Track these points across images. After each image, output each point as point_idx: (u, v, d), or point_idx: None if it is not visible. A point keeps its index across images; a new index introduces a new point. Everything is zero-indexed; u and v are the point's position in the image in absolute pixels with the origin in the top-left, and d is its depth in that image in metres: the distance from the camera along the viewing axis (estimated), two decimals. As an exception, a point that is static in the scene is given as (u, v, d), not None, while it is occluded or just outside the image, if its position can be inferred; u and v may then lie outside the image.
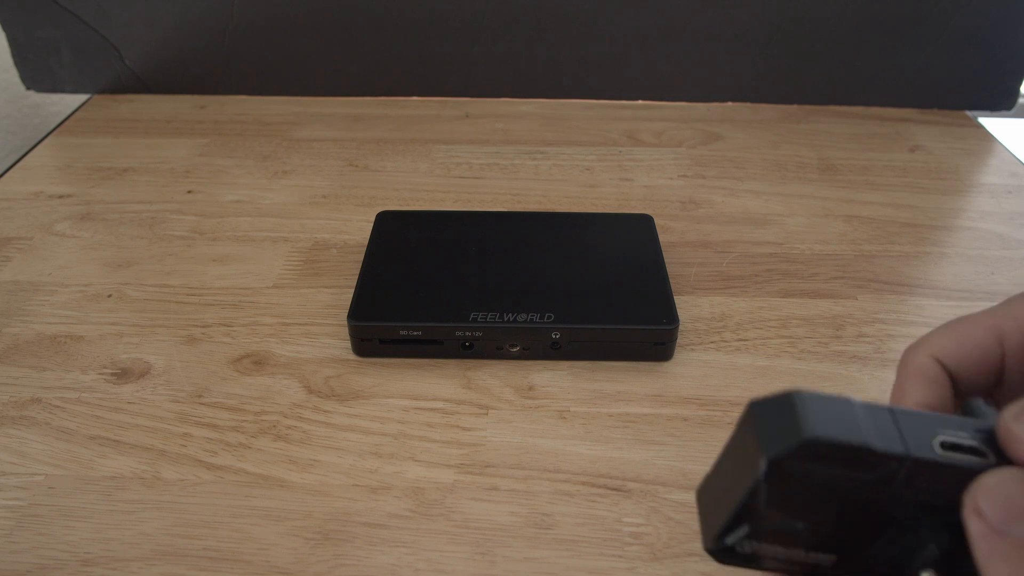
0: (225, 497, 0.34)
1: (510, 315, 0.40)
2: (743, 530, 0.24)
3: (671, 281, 0.44)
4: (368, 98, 0.70)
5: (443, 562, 0.31)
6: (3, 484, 0.35)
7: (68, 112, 0.68)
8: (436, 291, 0.42)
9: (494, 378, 0.40)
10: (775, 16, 0.65)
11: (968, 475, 0.21)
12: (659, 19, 0.65)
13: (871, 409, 0.22)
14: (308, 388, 0.40)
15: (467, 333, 0.40)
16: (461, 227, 0.47)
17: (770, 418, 0.23)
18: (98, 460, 0.36)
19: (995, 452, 0.22)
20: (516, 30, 0.66)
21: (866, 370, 0.41)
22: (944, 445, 0.22)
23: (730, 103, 0.69)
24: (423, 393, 0.39)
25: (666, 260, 0.45)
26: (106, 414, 0.38)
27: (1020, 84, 0.68)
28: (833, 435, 0.21)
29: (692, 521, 0.33)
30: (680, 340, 0.42)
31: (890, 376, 0.40)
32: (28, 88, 0.70)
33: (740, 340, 0.43)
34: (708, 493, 0.24)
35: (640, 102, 0.70)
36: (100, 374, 0.40)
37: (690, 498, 0.34)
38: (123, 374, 0.40)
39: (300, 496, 0.34)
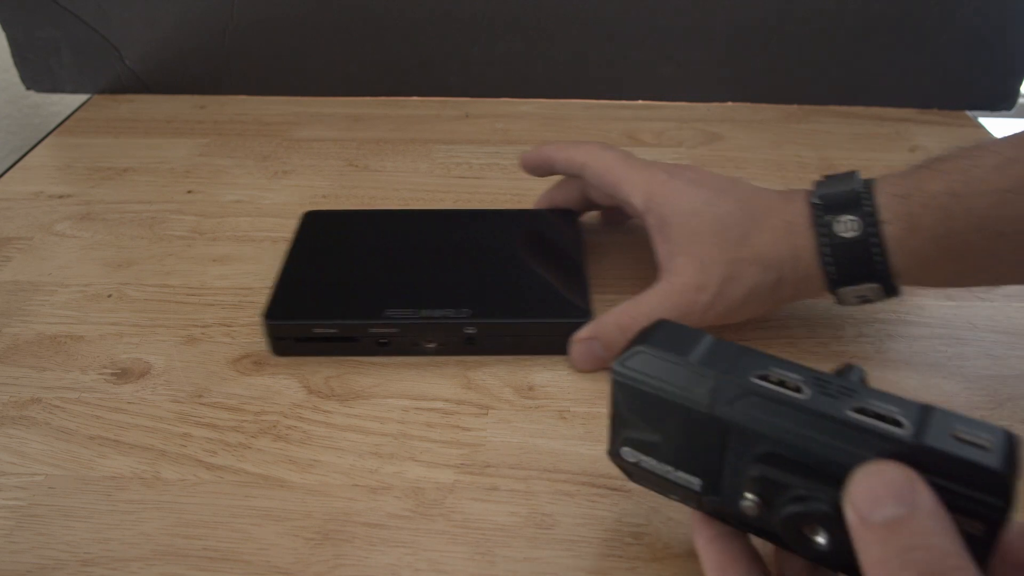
0: (225, 497, 0.34)
1: (425, 311, 0.40)
2: (621, 436, 0.28)
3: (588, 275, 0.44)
4: (368, 98, 0.70)
5: (443, 562, 0.31)
6: (3, 484, 0.35)
7: (68, 112, 0.68)
8: (354, 289, 0.42)
9: (494, 378, 0.40)
10: (775, 16, 0.65)
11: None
12: (659, 19, 0.65)
13: (714, 352, 0.27)
14: (308, 388, 0.40)
15: (382, 330, 0.40)
16: (386, 226, 0.48)
17: (642, 334, 0.28)
18: (98, 460, 0.36)
19: (814, 385, 0.25)
20: (516, 30, 0.66)
21: (866, 370, 0.40)
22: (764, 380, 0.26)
23: (730, 103, 0.69)
24: (423, 393, 0.39)
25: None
26: (106, 414, 0.38)
27: (1020, 84, 0.68)
28: (642, 371, 0.27)
29: (692, 521, 0.33)
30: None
31: (891, 376, 0.40)
32: (28, 88, 0.70)
33: (743, 341, 0.42)
34: (609, 420, 0.29)
35: (640, 102, 0.69)
36: (100, 374, 0.40)
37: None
38: (123, 374, 0.40)
39: (300, 496, 0.34)
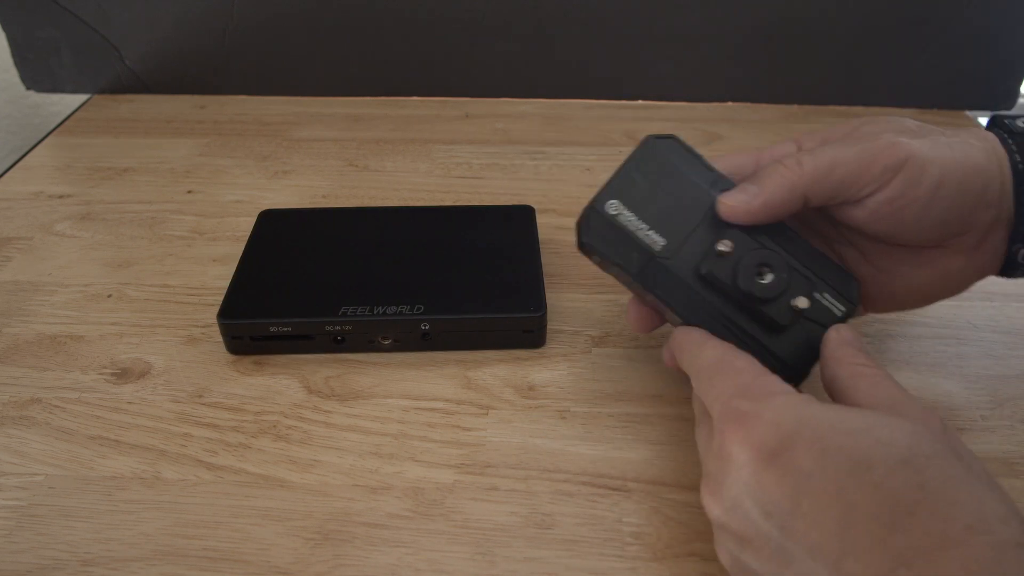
0: (225, 497, 0.34)
1: (380, 308, 0.40)
2: (615, 191, 0.34)
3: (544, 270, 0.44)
4: (368, 98, 0.70)
5: (443, 562, 0.31)
6: (3, 484, 0.35)
7: (68, 112, 0.68)
8: (308, 287, 0.42)
9: (494, 378, 0.40)
10: (776, 16, 0.65)
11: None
12: (659, 19, 0.65)
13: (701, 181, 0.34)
14: (308, 388, 0.40)
15: (337, 327, 0.40)
16: (342, 224, 0.48)
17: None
18: (98, 460, 0.36)
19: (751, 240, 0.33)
20: (516, 30, 0.66)
21: (866, 370, 0.41)
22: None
23: (730, 103, 0.69)
24: (423, 393, 0.39)
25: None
26: (106, 414, 0.38)
27: (1020, 84, 0.68)
28: (672, 149, 0.35)
29: (693, 521, 0.33)
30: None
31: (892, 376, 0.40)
32: (28, 88, 0.70)
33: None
34: (609, 180, 0.35)
35: (640, 102, 0.69)
36: (100, 374, 0.40)
37: (692, 498, 0.34)
38: (123, 374, 0.40)
39: (300, 496, 0.34)
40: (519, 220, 0.48)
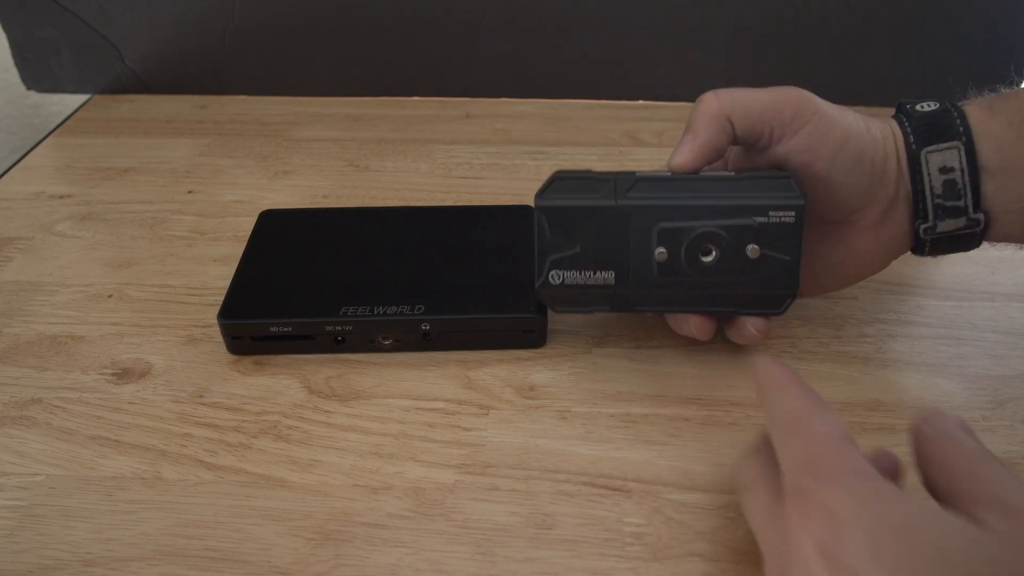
0: (226, 497, 0.34)
1: (381, 308, 0.40)
2: (548, 263, 0.36)
3: None
4: (368, 98, 0.70)
5: (443, 562, 0.31)
6: (4, 484, 0.35)
7: (68, 112, 0.68)
8: (309, 287, 0.42)
9: (495, 378, 0.40)
10: (775, 16, 0.65)
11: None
12: (659, 19, 0.65)
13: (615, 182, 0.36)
14: (309, 388, 0.40)
15: (338, 328, 0.40)
16: (342, 224, 0.48)
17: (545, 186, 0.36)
18: (99, 460, 0.36)
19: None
20: (517, 30, 0.66)
21: (867, 370, 0.41)
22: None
23: (730, 103, 0.69)
24: (424, 393, 0.39)
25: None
26: (107, 414, 0.38)
27: (1020, 84, 0.68)
28: (558, 194, 0.36)
29: (694, 521, 0.33)
30: (686, 340, 0.41)
31: (891, 376, 0.40)
32: (28, 88, 0.70)
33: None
34: (535, 260, 0.36)
35: (640, 102, 0.69)
36: (101, 374, 0.40)
37: (693, 498, 0.34)
38: (124, 374, 0.40)
39: (300, 496, 0.34)
40: (519, 220, 0.48)
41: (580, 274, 0.36)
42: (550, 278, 0.36)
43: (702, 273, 0.36)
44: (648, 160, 0.60)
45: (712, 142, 0.36)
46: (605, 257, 0.36)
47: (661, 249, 0.35)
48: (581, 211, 0.36)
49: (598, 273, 0.36)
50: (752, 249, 0.35)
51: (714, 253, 0.35)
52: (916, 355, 0.42)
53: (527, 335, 0.41)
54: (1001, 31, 0.65)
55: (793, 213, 0.35)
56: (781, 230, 0.35)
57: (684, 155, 0.36)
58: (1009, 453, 0.36)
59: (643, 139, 0.63)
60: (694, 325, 0.37)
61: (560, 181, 0.36)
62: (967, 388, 0.40)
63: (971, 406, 0.39)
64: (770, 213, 0.35)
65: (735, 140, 0.36)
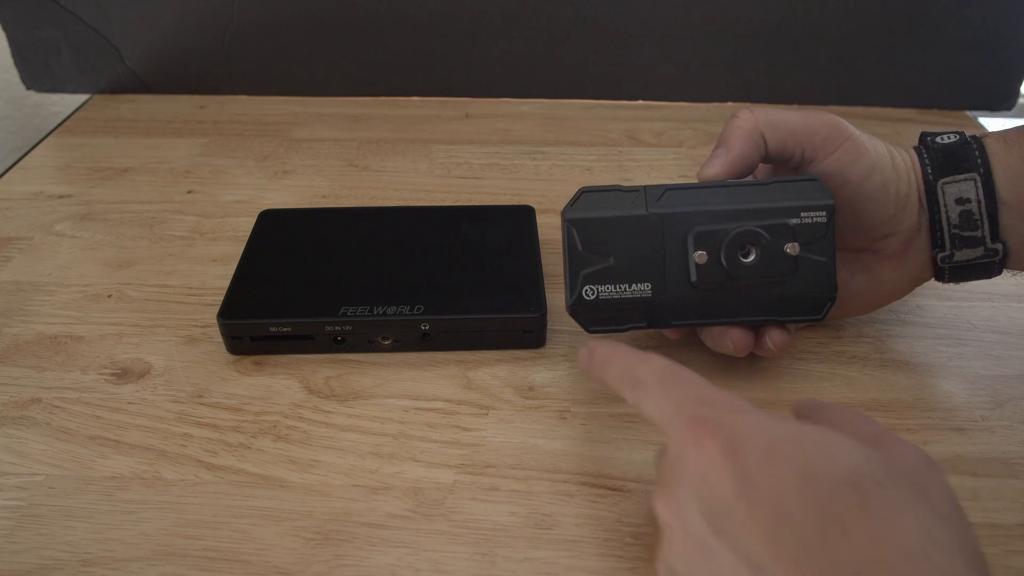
0: (225, 497, 0.34)
1: (380, 308, 0.40)
2: (580, 278, 0.35)
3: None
4: (368, 98, 0.70)
5: (443, 562, 0.31)
6: (3, 484, 0.35)
7: (68, 112, 0.68)
8: (308, 287, 0.42)
9: (494, 378, 0.40)
10: (775, 16, 0.65)
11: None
12: (659, 19, 0.65)
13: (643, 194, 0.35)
14: (308, 388, 0.40)
15: (337, 328, 0.40)
16: (341, 224, 0.48)
17: (571, 203, 0.35)
18: (98, 460, 0.36)
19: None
20: (516, 30, 0.66)
21: (866, 370, 0.41)
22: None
23: (730, 103, 0.69)
24: (423, 393, 0.39)
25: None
26: (106, 414, 0.38)
27: (1020, 84, 0.68)
28: (587, 207, 0.35)
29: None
30: (687, 340, 0.41)
31: (891, 376, 0.40)
32: (28, 88, 0.70)
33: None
34: (565, 278, 0.35)
35: (640, 102, 0.69)
36: (100, 374, 0.40)
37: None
38: (123, 374, 0.40)
39: (300, 496, 0.34)
40: (519, 220, 0.48)
41: (615, 288, 0.35)
42: (584, 294, 0.35)
43: (743, 274, 0.35)
44: (648, 160, 0.60)
45: (745, 156, 0.36)
46: (640, 268, 0.35)
47: (701, 252, 0.34)
48: (613, 222, 0.35)
49: (633, 285, 0.35)
50: (792, 247, 0.34)
51: (754, 253, 0.35)
52: (915, 355, 0.42)
53: (527, 335, 0.41)
54: (1001, 31, 0.65)
55: (824, 213, 0.35)
56: (815, 231, 0.35)
57: (717, 167, 0.36)
58: (1009, 453, 0.36)
59: (643, 139, 0.63)
60: (732, 340, 0.37)
61: (587, 195, 0.35)
62: (966, 388, 0.40)
63: (970, 406, 0.39)
64: (802, 214, 0.35)
65: (766, 157, 0.37)
